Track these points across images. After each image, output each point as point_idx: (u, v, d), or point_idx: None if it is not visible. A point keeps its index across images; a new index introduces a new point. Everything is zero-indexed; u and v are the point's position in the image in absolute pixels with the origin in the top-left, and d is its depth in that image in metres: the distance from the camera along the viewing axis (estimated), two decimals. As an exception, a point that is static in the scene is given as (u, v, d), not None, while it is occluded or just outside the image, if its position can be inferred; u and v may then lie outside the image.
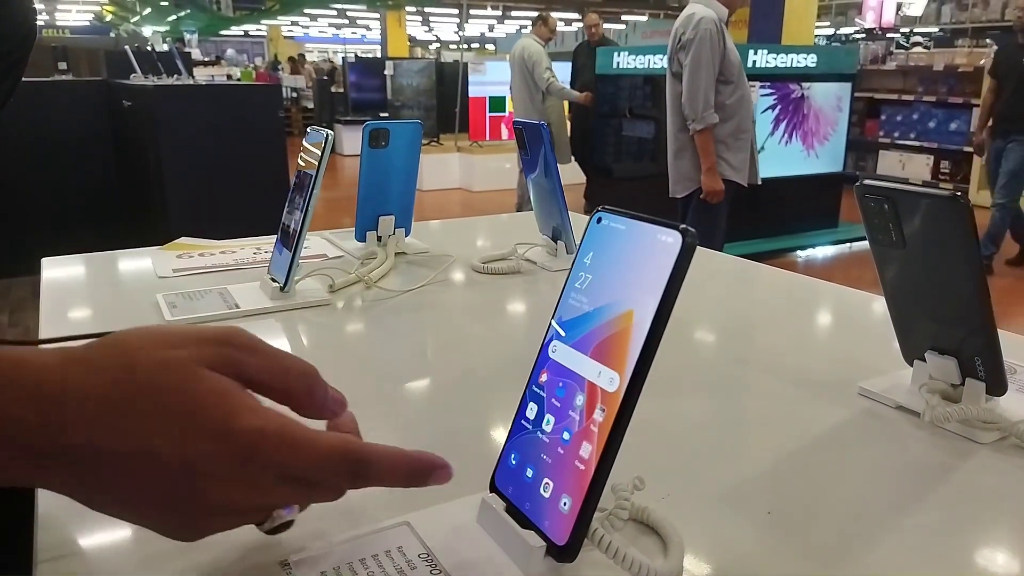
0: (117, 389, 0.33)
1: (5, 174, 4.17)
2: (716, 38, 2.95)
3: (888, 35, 10.15)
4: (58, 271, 1.09)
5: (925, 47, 8.84)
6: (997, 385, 0.60)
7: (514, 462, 0.42)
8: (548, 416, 0.41)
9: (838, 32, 13.31)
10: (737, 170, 3.12)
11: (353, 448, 0.37)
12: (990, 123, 4.99)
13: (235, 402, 0.35)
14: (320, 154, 0.88)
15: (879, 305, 0.93)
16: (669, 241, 0.37)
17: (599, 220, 0.41)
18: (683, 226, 0.36)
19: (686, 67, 2.98)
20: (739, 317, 0.96)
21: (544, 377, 0.42)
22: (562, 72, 5.69)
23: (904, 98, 8.01)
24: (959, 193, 0.54)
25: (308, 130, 0.93)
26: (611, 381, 0.38)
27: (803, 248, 5.62)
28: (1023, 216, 5.05)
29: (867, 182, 0.59)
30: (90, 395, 0.33)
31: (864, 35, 10.74)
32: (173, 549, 0.41)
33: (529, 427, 0.42)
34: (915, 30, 10.27)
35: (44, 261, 1.12)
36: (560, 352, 0.41)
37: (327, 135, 0.89)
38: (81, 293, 1.03)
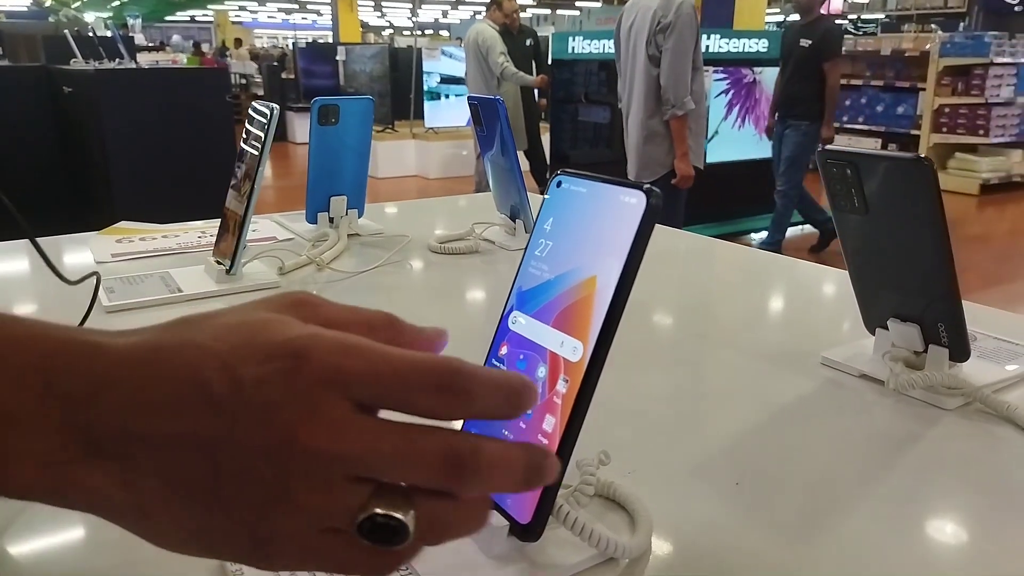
0: (164, 331, 0.28)
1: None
2: (696, 23, 2.94)
3: (836, 21, 10.31)
4: (-10, 257, 1.03)
5: (869, 33, 8.97)
6: (960, 351, 0.60)
7: None
8: None
9: (788, 19, 13.49)
10: (696, 154, 3.14)
11: (444, 358, 0.28)
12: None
13: (293, 322, 0.28)
14: (265, 128, 0.85)
15: (837, 277, 0.93)
16: (632, 202, 0.34)
17: (559, 184, 0.39)
18: (647, 185, 0.34)
19: (668, 51, 2.92)
20: (698, 293, 0.95)
21: (504, 350, 0.40)
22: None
23: (853, 82, 8.14)
24: (923, 156, 0.53)
25: (253, 104, 0.89)
26: (574, 351, 0.36)
27: (756, 231, 5.67)
28: (810, 201, 4.91)
29: (829, 148, 0.57)
30: (137, 341, 0.28)
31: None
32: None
33: None
34: (862, 16, 10.46)
35: (-25, 248, 1.06)
36: (520, 323, 0.39)
37: (272, 109, 0.85)
38: (11, 281, 0.97)
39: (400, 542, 0.27)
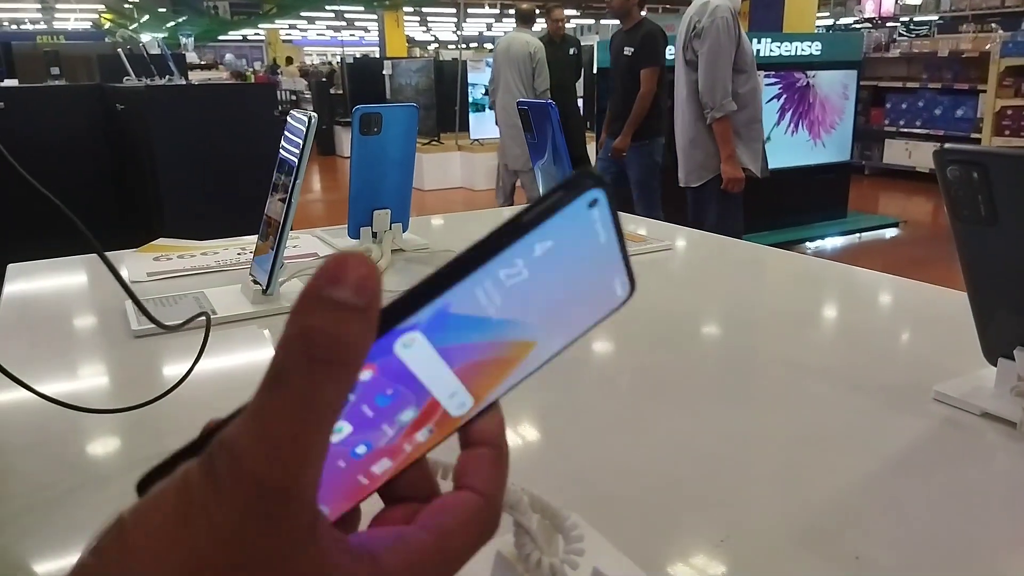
0: None
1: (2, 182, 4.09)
2: (732, 26, 2.90)
3: (888, 24, 10.03)
4: (24, 277, 0.99)
5: (923, 36, 8.67)
6: (1107, 387, 0.51)
7: None
8: (343, 424, 0.27)
9: (837, 23, 13.19)
10: (752, 160, 3.04)
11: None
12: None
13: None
14: (303, 140, 0.79)
15: (944, 298, 0.83)
16: (618, 292, 0.26)
17: (593, 202, 0.26)
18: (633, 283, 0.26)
19: (703, 55, 2.91)
20: (780, 313, 0.86)
21: (368, 375, 0.26)
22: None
23: (909, 85, 7.90)
24: (1071, 155, 0.44)
25: (289, 115, 0.83)
26: (460, 406, 0.27)
27: (812, 239, 5.50)
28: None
29: (949, 146, 0.49)
30: None
31: (866, 24, 10.62)
32: None
33: None
34: (915, 18, 10.16)
35: (10, 267, 1.03)
36: (414, 351, 0.26)
37: (310, 117, 0.79)
38: (45, 301, 0.93)
39: None
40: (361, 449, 0.26)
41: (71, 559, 0.39)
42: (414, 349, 0.26)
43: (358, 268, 0.20)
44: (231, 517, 0.18)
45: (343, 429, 0.26)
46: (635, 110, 3.81)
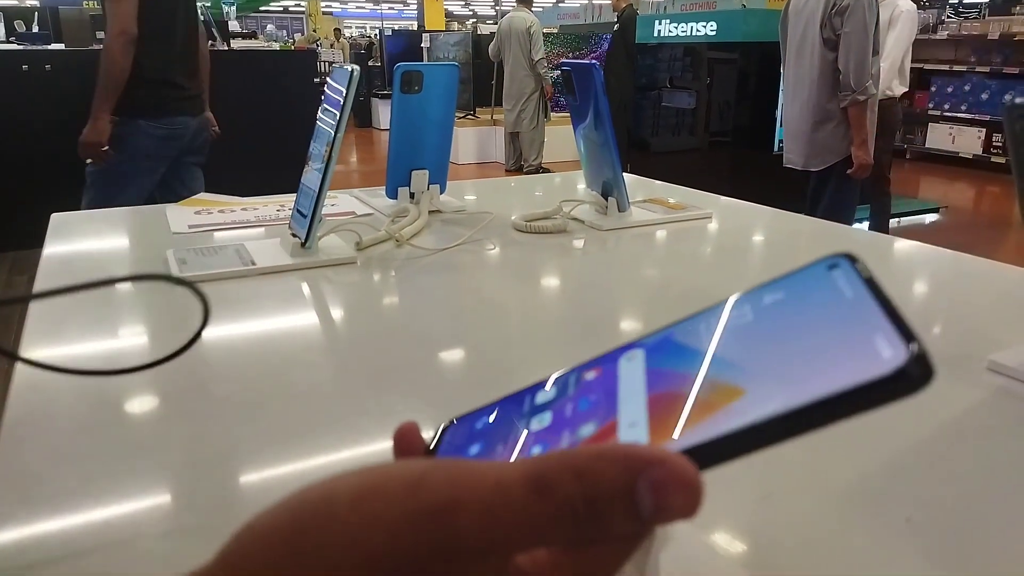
0: None
1: (48, 142, 4.15)
2: (876, 4, 2.78)
3: (934, 6, 9.73)
4: (67, 227, 1.01)
5: (973, 18, 8.39)
6: None
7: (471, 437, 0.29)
8: (547, 415, 0.28)
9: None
10: (871, 144, 2.92)
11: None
12: None
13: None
14: (344, 92, 0.78)
15: (993, 271, 0.81)
16: (884, 354, 0.22)
17: (833, 267, 0.26)
18: (919, 350, 0.21)
19: (848, 34, 2.78)
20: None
21: (592, 375, 0.28)
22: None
23: (955, 69, 7.68)
24: None
25: (331, 67, 0.83)
26: (633, 439, 0.24)
27: (859, 220, 5.40)
28: None
29: (1020, 101, 0.47)
30: None
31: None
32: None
33: (524, 408, 0.28)
34: (965, 0, 9.82)
35: (53, 217, 1.04)
36: (631, 367, 0.27)
37: (352, 71, 0.78)
38: (88, 250, 0.94)
39: None
40: (536, 450, 0.25)
41: (92, 519, 0.40)
42: (631, 365, 0.27)
43: (697, 495, 0.20)
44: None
45: (544, 420, 0.27)
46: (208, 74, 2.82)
